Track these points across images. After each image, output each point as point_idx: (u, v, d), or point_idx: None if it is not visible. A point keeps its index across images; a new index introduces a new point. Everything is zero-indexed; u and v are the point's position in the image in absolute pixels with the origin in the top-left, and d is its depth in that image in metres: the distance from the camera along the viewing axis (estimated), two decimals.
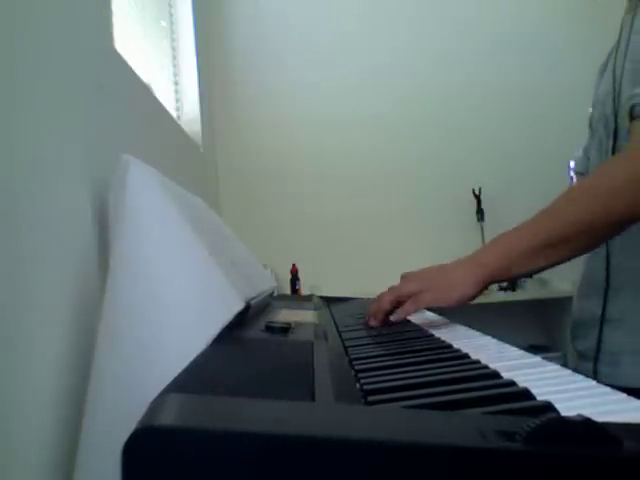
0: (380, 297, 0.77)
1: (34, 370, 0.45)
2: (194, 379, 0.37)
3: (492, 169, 2.56)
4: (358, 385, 0.42)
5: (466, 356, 0.51)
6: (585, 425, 0.24)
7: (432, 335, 0.66)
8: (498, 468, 0.23)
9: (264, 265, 1.74)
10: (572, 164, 2.12)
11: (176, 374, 0.36)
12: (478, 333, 0.69)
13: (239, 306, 0.53)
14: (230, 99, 2.54)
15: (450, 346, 0.57)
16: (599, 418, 0.25)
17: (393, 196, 2.56)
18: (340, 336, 0.68)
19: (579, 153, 1.01)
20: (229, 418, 0.25)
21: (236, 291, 0.55)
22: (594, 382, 0.42)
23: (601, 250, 0.85)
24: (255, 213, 2.50)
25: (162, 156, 1.10)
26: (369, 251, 2.49)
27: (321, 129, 2.54)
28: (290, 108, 2.54)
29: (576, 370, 0.46)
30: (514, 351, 0.57)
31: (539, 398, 0.36)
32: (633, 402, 0.36)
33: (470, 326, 0.74)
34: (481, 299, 0.76)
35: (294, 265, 2.39)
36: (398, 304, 0.75)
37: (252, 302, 0.62)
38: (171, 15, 1.93)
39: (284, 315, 0.79)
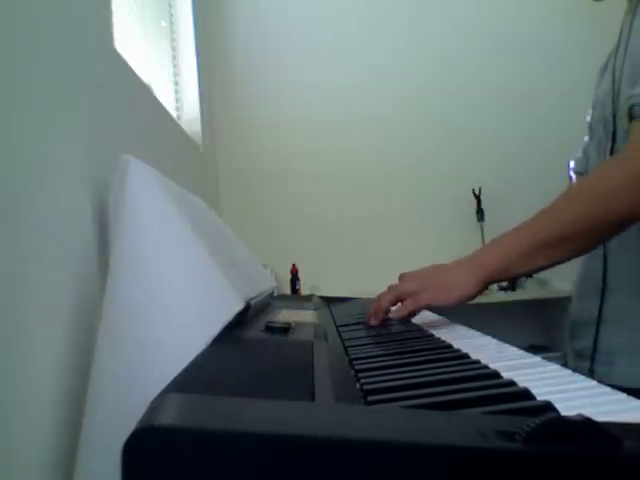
0: (380, 296, 0.77)
1: (34, 370, 0.45)
2: (194, 379, 0.37)
3: (492, 169, 2.56)
4: (358, 385, 0.42)
5: (466, 356, 0.51)
6: (585, 425, 0.24)
7: (432, 335, 0.66)
8: (498, 468, 0.23)
9: (264, 265, 1.74)
10: (572, 164, 2.12)
11: (176, 374, 0.37)
12: (478, 333, 0.69)
13: (239, 306, 0.53)
14: (230, 99, 2.54)
15: (450, 346, 0.57)
16: (599, 418, 0.25)
17: (393, 196, 2.56)
18: (340, 336, 0.68)
19: (579, 154, 1.01)
20: (229, 418, 0.25)
21: (236, 291, 0.55)
22: (594, 382, 0.42)
23: (599, 250, 0.85)
24: (255, 213, 2.50)
25: (162, 156, 1.10)
26: (369, 251, 2.49)
27: (321, 129, 2.54)
28: (290, 108, 2.54)
29: (575, 370, 0.46)
30: (514, 351, 0.57)
31: (539, 398, 0.36)
32: (633, 402, 0.36)
33: (470, 326, 0.74)
34: (481, 299, 0.76)
35: (294, 265, 2.39)
36: (398, 303, 0.76)
37: (252, 302, 0.62)
38: (171, 15, 1.93)
39: (284, 315, 0.79)
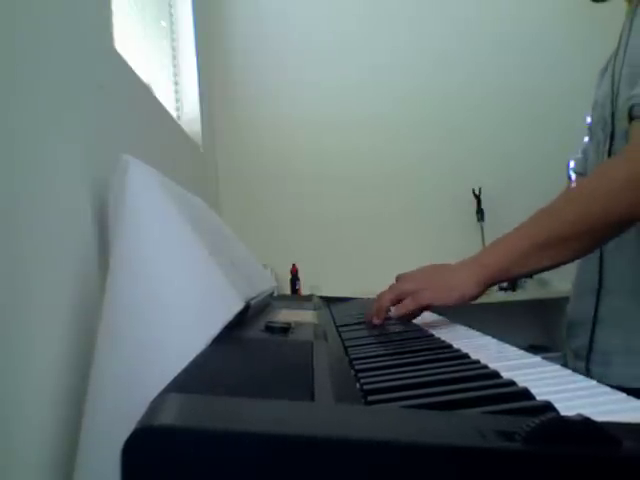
0: (381, 295, 0.77)
1: (34, 370, 0.45)
2: (194, 379, 0.37)
3: (492, 169, 2.56)
4: (358, 385, 0.42)
5: (466, 356, 0.51)
6: (584, 425, 0.24)
7: (432, 335, 0.66)
8: (497, 468, 0.23)
9: (264, 265, 1.74)
10: (572, 164, 2.12)
11: (176, 374, 0.37)
12: (478, 333, 0.69)
13: (239, 306, 0.53)
14: (230, 99, 2.54)
15: (450, 346, 0.57)
16: (599, 418, 0.25)
17: (393, 196, 2.55)
18: (340, 336, 0.68)
19: (578, 154, 1.01)
20: (229, 418, 0.25)
21: (236, 291, 0.55)
22: (594, 382, 0.42)
23: (595, 252, 0.85)
24: (255, 213, 2.49)
25: (162, 156, 1.10)
26: (369, 251, 2.49)
27: (321, 129, 2.54)
28: (290, 108, 2.54)
29: (574, 370, 0.46)
30: (514, 351, 0.57)
31: (539, 398, 0.36)
32: (633, 402, 0.36)
33: (470, 326, 0.74)
34: (481, 299, 0.76)
35: (294, 265, 2.39)
36: (398, 302, 0.76)
37: (252, 302, 0.62)
38: (171, 15, 1.93)
39: (284, 315, 0.79)
